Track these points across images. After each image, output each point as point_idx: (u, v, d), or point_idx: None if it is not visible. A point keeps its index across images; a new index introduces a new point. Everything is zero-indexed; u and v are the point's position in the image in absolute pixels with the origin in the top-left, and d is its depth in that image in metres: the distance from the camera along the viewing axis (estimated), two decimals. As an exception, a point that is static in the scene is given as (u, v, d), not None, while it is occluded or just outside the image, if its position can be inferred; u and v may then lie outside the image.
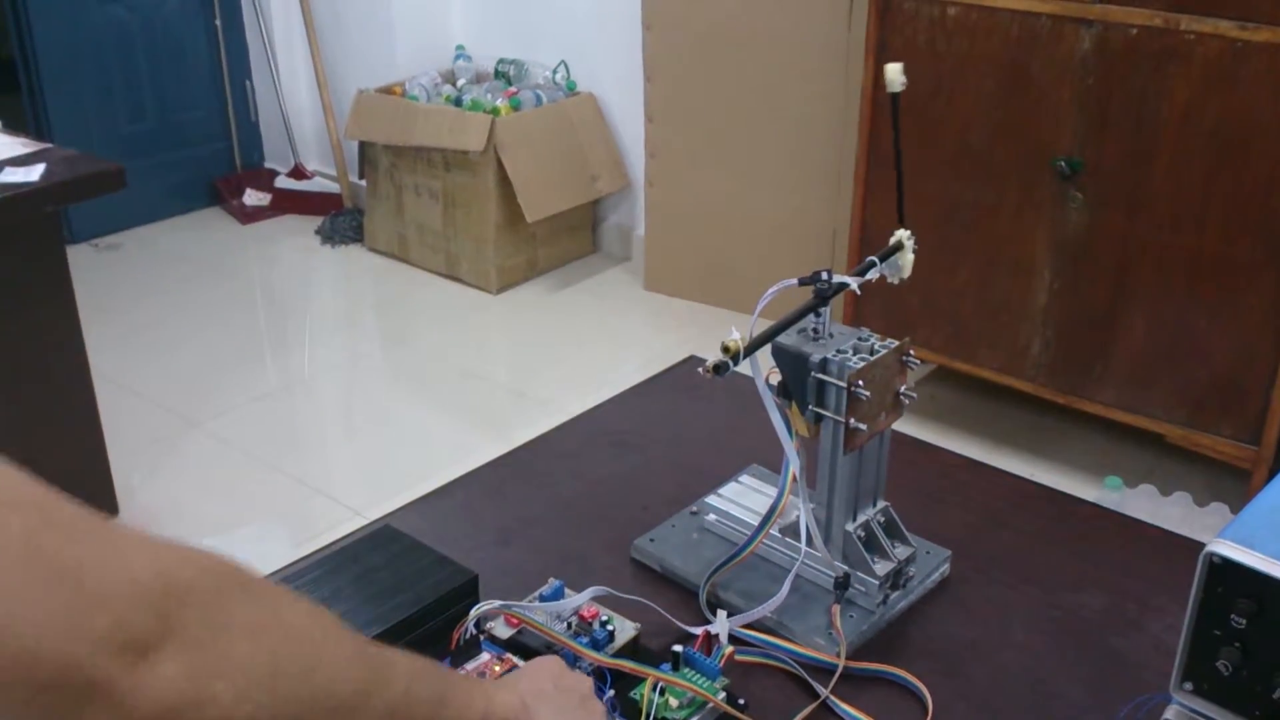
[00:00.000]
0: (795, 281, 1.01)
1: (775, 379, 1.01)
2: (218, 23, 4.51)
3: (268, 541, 2.69)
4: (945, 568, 1.10)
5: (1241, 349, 2.43)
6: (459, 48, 4.30)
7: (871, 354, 0.99)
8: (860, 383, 0.96)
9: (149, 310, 3.84)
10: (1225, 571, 0.73)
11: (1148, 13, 2.34)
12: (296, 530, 2.72)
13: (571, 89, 4.04)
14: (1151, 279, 2.51)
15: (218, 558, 0.62)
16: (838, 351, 0.98)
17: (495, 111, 3.79)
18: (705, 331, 3.49)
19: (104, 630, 0.52)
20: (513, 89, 3.99)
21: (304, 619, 0.65)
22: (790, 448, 0.99)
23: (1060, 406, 2.74)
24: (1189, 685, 0.76)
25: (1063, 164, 2.52)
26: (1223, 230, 2.38)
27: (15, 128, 2.70)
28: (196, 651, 0.56)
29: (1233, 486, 2.63)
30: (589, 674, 0.91)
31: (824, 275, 0.99)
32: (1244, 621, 0.72)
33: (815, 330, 1.01)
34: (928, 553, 1.10)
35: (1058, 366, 2.70)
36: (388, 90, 4.08)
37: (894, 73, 1.06)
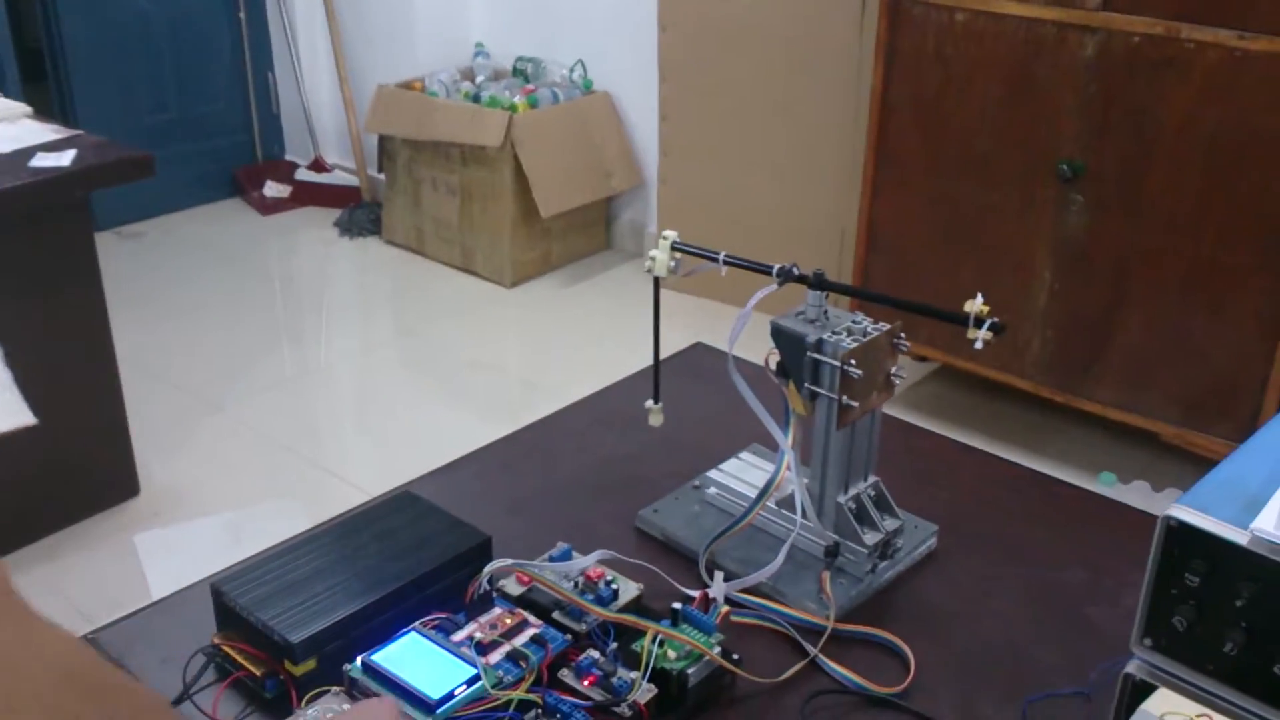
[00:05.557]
0: (776, 285, 1.09)
1: (775, 360, 1.08)
2: (241, 15, 4.59)
3: (283, 520, 2.76)
4: (932, 541, 1.16)
5: (1236, 351, 2.48)
6: (478, 45, 4.37)
7: (864, 336, 1.05)
8: (853, 361, 1.03)
9: (171, 297, 3.91)
10: (1181, 535, 0.78)
11: (1149, 21, 2.40)
12: (312, 510, 2.79)
13: (588, 87, 4.11)
14: (1149, 281, 2.56)
15: None
16: (832, 333, 1.05)
17: (513, 108, 3.85)
18: (715, 327, 3.53)
19: None
20: (530, 86, 4.06)
21: None
22: (780, 435, 1.06)
23: (1058, 404, 2.79)
24: (1148, 641, 0.82)
25: (1065, 167, 2.58)
26: (1219, 234, 2.44)
27: (43, 116, 2.77)
28: None
29: (1227, 486, 2.68)
30: (593, 629, 0.98)
31: (792, 268, 1.09)
32: (1197, 580, 0.78)
33: (814, 314, 1.08)
34: (916, 527, 1.16)
35: (1056, 365, 2.75)
36: (407, 85, 4.15)
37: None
